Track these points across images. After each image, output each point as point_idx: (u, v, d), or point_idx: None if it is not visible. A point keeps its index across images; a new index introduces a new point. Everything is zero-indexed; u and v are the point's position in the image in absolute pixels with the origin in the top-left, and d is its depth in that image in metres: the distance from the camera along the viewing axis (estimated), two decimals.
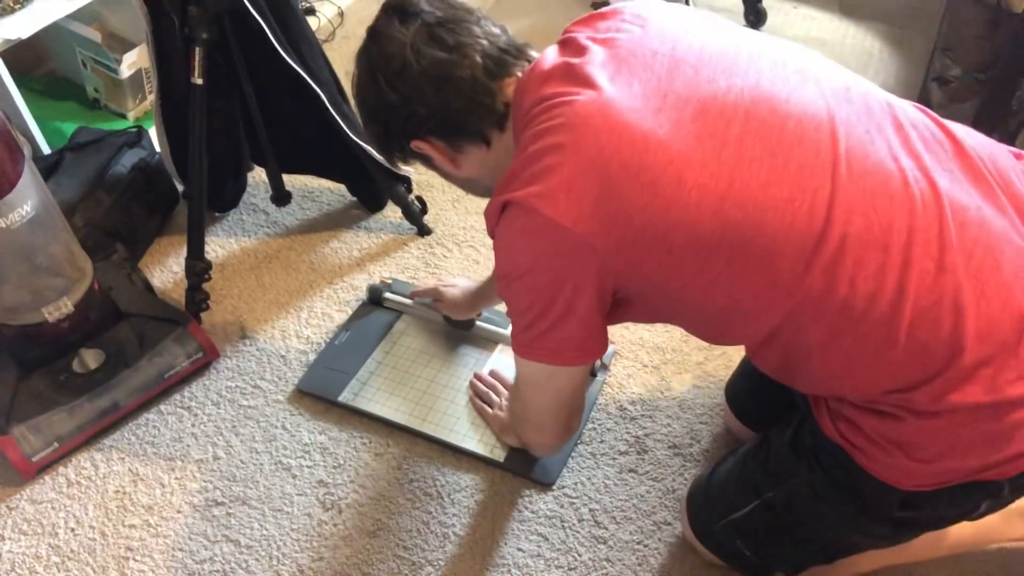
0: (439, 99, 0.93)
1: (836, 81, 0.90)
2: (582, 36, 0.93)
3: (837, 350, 0.85)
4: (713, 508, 1.13)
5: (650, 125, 0.83)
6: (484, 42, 0.94)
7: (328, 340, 1.50)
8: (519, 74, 0.95)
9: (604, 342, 0.97)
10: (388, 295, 1.54)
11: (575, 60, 0.90)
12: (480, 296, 1.40)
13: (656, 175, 0.82)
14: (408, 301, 1.53)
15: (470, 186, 1.09)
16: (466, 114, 0.94)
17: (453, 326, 1.48)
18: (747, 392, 1.31)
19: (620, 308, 0.95)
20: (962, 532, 1.14)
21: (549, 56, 0.94)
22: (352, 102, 1.03)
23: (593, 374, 1.41)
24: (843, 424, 0.93)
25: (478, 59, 0.93)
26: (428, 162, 1.03)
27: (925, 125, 0.89)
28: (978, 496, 0.91)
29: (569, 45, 0.94)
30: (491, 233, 0.95)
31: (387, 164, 1.58)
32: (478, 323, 1.48)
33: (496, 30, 0.97)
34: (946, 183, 0.84)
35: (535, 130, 0.87)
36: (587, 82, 0.87)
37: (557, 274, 0.88)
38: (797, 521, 1.02)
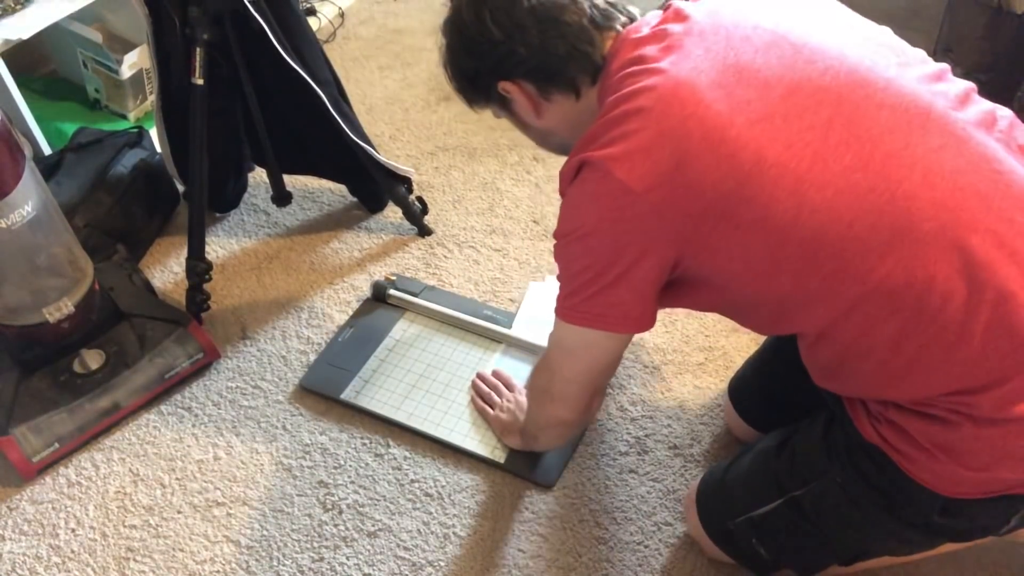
0: (543, 41, 0.91)
1: (938, 78, 0.88)
2: (686, 5, 0.92)
3: (905, 347, 0.83)
4: (729, 505, 1.11)
5: (737, 101, 0.82)
6: None
7: (330, 338, 1.50)
8: (620, 29, 0.94)
9: (652, 315, 0.95)
10: (392, 292, 1.54)
11: (673, 27, 0.89)
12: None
13: (735, 150, 0.81)
14: (412, 298, 1.53)
15: (544, 138, 1.07)
16: (565, 61, 0.93)
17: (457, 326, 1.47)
18: (754, 392, 1.30)
19: (677, 288, 0.94)
20: None
21: (650, 19, 0.93)
22: (446, 36, 1.01)
23: None
24: (886, 427, 0.90)
25: (586, 7, 0.92)
26: (507, 108, 1.02)
27: (1016, 133, 0.88)
28: (1013, 508, 0.90)
29: (671, 11, 0.92)
30: (562, 192, 0.94)
31: (380, 158, 1.58)
32: (480, 323, 1.49)
33: None
34: None
35: (621, 93, 0.86)
36: (680, 51, 0.86)
37: (619, 238, 0.87)
38: (823, 522, 1.00)
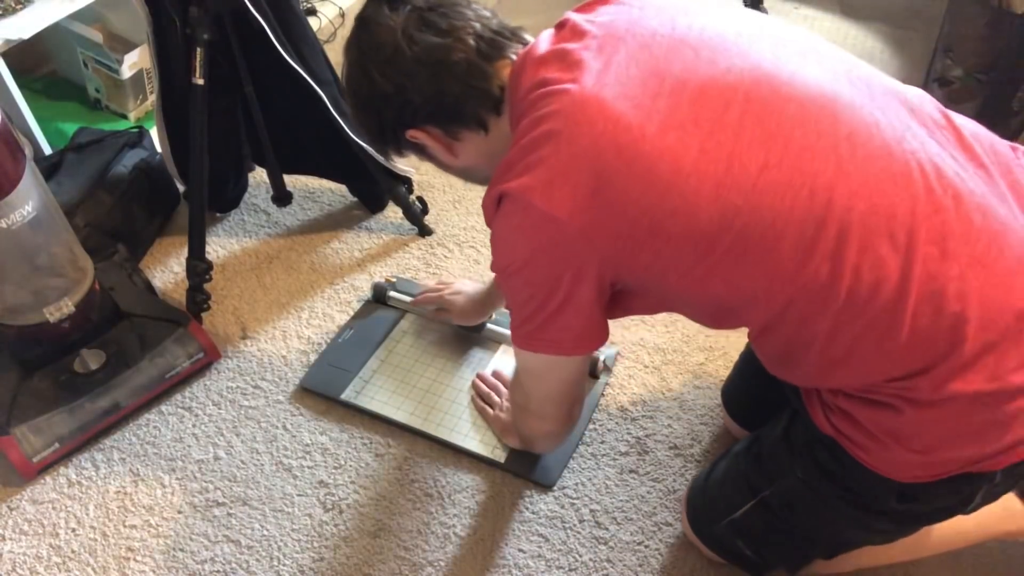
0: (434, 85, 0.91)
1: (839, 63, 0.88)
2: (580, 19, 0.92)
3: (841, 338, 0.84)
4: (712, 510, 1.12)
5: (646, 112, 0.82)
6: (477, 24, 0.92)
7: (330, 339, 1.50)
8: (513, 56, 0.93)
9: (603, 333, 0.96)
10: (392, 294, 1.54)
11: (571, 45, 0.88)
12: (489, 299, 1.39)
13: (652, 163, 0.80)
14: (411, 300, 1.53)
15: (468, 175, 1.07)
16: (463, 99, 0.92)
17: (464, 329, 1.47)
18: (741, 393, 1.31)
19: (620, 300, 0.95)
20: (962, 527, 1.13)
21: (544, 39, 0.92)
22: (346, 95, 1.01)
23: (595, 376, 1.41)
24: (837, 416, 0.92)
25: (471, 42, 0.90)
26: (424, 152, 1.01)
27: (929, 111, 0.88)
28: (973, 487, 0.90)
29: (566, 28, 0.92)
30: (488, 224, 0.94)
31: (381, 159, 1.58)
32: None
33: (487, 12, 0.95)
34: (951, 169, 0.83)
35: (530, 118, 0.86)
36: (583, 68, 0.85)
37: (554, 267, 0.87)
38: (795, 518, 1.02)
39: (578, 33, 0.90)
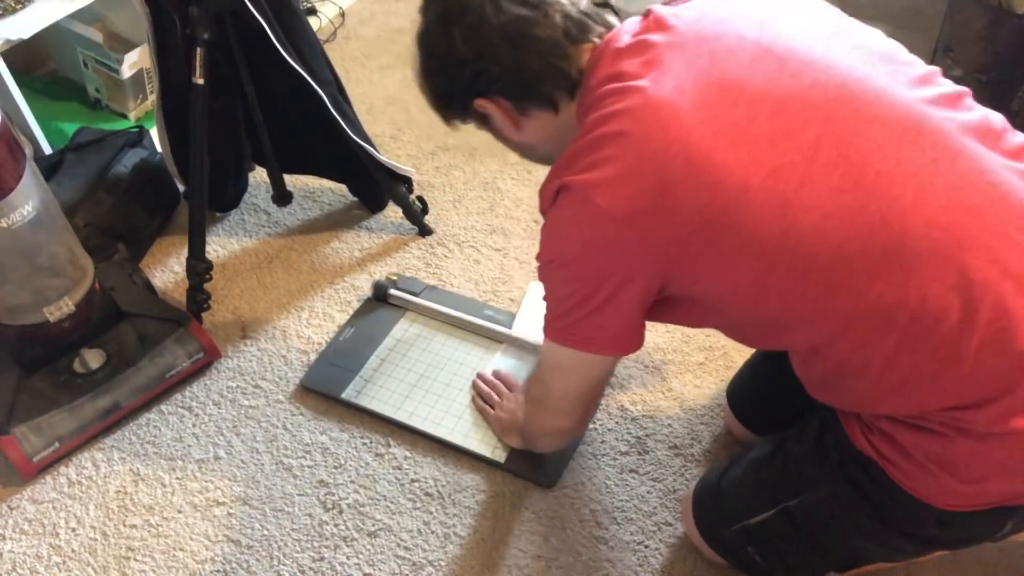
0: (515, 59, 0.88)
1: (923, 73, 0.86)
2: (666, 12, 0.88)
3: (898, 366, 0.82)
4: (724, 513, 1.10)
5: (721, 122, 0.79)
6: (566, 2, 0.89)
7: (330, 338, 1.50)
8: (596, 41, 0.90)
9: (640, 338, 0.95)
10: (393, 291, 1.54)
11: (653, 38, 0.85)
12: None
13: (720, 176, 0.78)
14: (413, 298, 1.53)
15: (527, 151, 1.04)
16: (541, 77, 0.89)
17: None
18: (751, 395, 1.30)
19: (664, 307, 0.93)
20: None
21: (628, 29, 0.89)
22: (418, 52, 0.99)
23: None
24: (878, 438, 0.89)
25: (559, 20, 0.88)
26: (486, 123, 0.99)
27: (1009, 139, 0.85)
28: (1007, 518, 0.89)
29: (650, 19, 0.88)
30: (543, 212, 0.92)
31: (381, 158, 1.58)
32: (481, 323, 1.49)
33: None
34: None
35: (601, 113, 0.84)
36: (661, 67, 0.83)
37: (604, 266, 0.86)
38: (816, 532, 1.00)
39: (662, 27, 0.86)
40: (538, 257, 0.93)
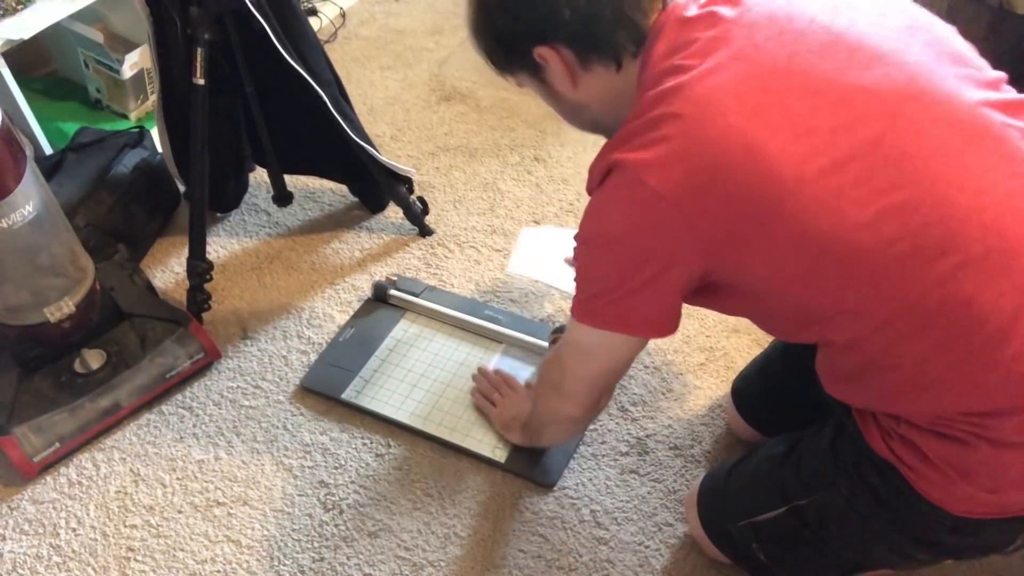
0: (591, 5, 0.84)
1: (991, 78, 0.84)
2: None
3: (932, 365, 0.80)
4: (731, 508, 1.10)
5: (783, 111, 0.77)
6: None
7: (330, 338, 1.50)
8: (666, 2, 0.86)
9: (675, 322, 0.92)
10: (393, 292, 1.54)
11: (724, 11, 0.83)
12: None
13: (776, 166, 0.76)
14: (413, 299, 1.53)
15: (575, 113, 0.99)
16: (613, 27, 0.85)
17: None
18: (757, 392, 1.30)
19: (704, 293, 0.90)
20: None
21: None
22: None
23: None
24: (897, 442, 0.88)
25: None
26: (537, 75, 0.93)
27: None
28: (1021, 529, 0.88)
29: None
30: (590, 191, 0.89)
31: (381, 157, 1.58)
32: (481, 323, 1.49)
33: None
34: None
35: (662, 89, 0.81)
36: (727, 45, 0.80)
37: (647, 246, 0.83)
38: (826, 533, 0.99)
39: (732, 1, 0.83)
40: (578, 236, 0.90)
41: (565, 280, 1.32)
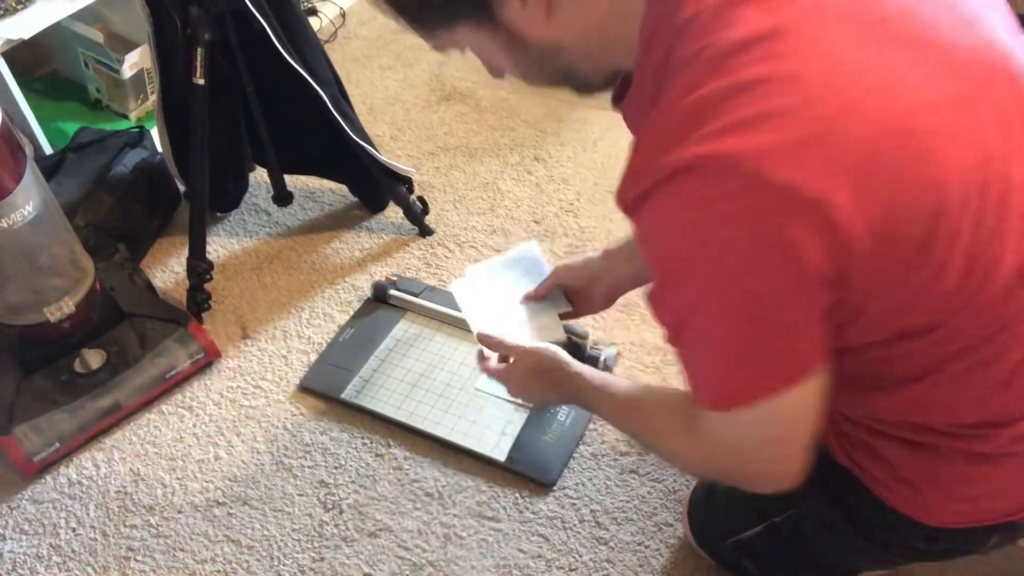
0: None
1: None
2: None
3: (956, 380, 0.71)
4: (716, 527, 1.10)
5: (918, 77, 0.58)
6: None
7: (330, 338, 1.50)
8: None
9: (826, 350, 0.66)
10: (393, 292, 1.55)
11: None
12: (605, 273, 1.10)
13: (927, 146, 0.58)
14: (413, 299, 1.53)
15: (541, 64, 0.71)
16: None
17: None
18: None
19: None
20: None
21: None
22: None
23: None
24: (860, 452, 0.82)
25: None
26: (489, 19, 0.66)
27: None
28: (993, 533, 0.84)
29: None
30: (630, 210, 0.63)
31: (381, 157, 1.58)
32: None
33: None
34: None
35: (736, 38, 0.57)
36: None
37: (783, 272, 0.58)
38: (806, 546, 0.97)
39: None
40: (656, 295, 0.66)
41: (495, 322, 1.16)
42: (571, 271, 1.17)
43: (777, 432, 0.69)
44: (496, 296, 1.21)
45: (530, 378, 1.05)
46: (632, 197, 0.62)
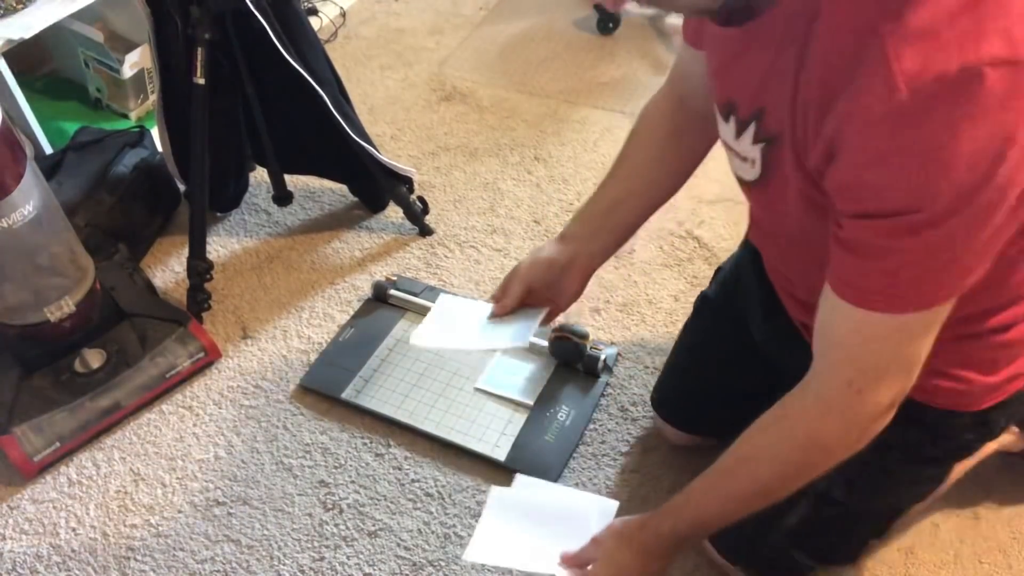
0: None
1: None
2: None
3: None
4: (754, 526, 0.95)
5: None
6: None
7: (331, 338, 1.50)
8: None
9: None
10: (393, 292, 1.55)
11: None
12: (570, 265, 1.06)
13: None
14: (413, 299, 1.53)
15: None
16: None
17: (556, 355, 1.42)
18: (678, 394, 1.28)
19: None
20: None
21: None
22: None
23: (596, 375, 1.41)
24: None
25: None
26: None
27: None
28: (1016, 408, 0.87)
29: None
30: (905, 111, 0.57)
31: (381, 158, 1.58)
32: None
33: None
34: None
35: None
36: None
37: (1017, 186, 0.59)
38: (855, 502, 0.96)
39: None
40: (931, 198, 0.60)
41: (471, 342, 1.13)
42: (535, 269, 1.09)
43: (922, 345, 0.71)
44: (462, 326, 1.13)
45: (618, 558, 0.94)
46: (917, 99, 0.57)
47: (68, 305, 1.31)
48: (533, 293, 1.10)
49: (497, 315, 1.11)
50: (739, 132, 0.78)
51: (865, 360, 0.73)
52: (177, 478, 1.31)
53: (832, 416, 0.77)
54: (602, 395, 1.40)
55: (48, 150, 1.75)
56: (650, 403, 1.35)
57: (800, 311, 0.96)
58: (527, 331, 1.09)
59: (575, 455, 1.32)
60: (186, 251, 1.50)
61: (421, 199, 1.70)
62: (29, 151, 1.23)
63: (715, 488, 0.88)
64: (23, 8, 1.61)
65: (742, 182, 0.83)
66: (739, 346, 1.15)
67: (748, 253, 1.13)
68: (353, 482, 1.30)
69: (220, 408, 1.41)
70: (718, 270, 1.27)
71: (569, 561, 0.98)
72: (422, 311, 1.53)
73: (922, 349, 0.72)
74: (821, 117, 0.64)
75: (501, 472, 1.30)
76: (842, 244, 0.68)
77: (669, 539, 0.91)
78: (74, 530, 1.25)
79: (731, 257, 1.24)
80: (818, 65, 0.64)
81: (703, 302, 1.26)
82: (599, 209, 1.08)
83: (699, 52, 0.91)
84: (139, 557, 1.22)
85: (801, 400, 0.78)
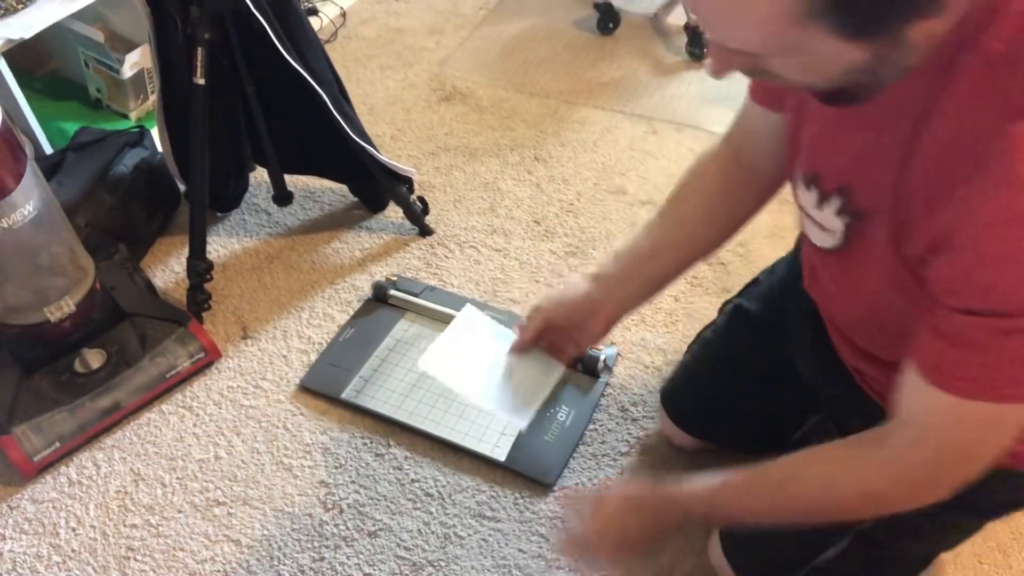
0: None
1: None
2: None
3: None
4: (780, 559, 0.98)
5: None
6: None
7: (331, 338, 1.50)
8: None
9: None
10: (393, 292, 1.55)
11: None
12: (595, 302, 1.01)
13: None
14: (413, 299, 1.53)
15: (882, 67, 0.61)
16: None
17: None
18: (688, 397, 1.27)
19: None
20: None
21: None
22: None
23: (596, 375, 1.41)
24: None
25: None
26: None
27: None
28: None
29: None
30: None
31: (381, 158, 1.58)
32: None
33: None
34: None
35: None
36: None
37: None
38: (896, 544, 0.92)
39: None
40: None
41: (473, 392, 1.07)
42: (562, 308, 1.02)
43: (1010, 434, 0.70)
44: (476, 360, 1.08)
45: (622, 521, 0.90)
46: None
47: (68, 305, 1.31)
48: (556, 331, 1.04)
49: (516, 351, 1.06)
50: (820, 202, 0.77)
51: (950, 443, 0.72)
52: (177, 478, 1.31)
53: (902, 483, 0.76)
54: (602, 395, 1.41)
55: (48, 150, 1.75)
56: (659, 398, 1.33)
57: (855, 357, 0.93)
58: (530, 409, 1.04)
59: (575, 455, 1.32)
60: (186, 251, 1.51)
61: (421, 199, 1.70)
62: (29, 151, 1.23)
63: (752, 493, 0.85)
64: (23, 8, 1.61)
65: (814, 248, 0.81)
66: (773, 366, 1.11)
67: (794, 277, 1.05)
68: (353, 482, 1.30)
69: (220, 408, 1.41)
70: (754, 281, 1.21)
71: (572, 543, 0.96)
72: (422, 311, 1.53)
73: (1009, 438, 0.71)
74: (930, 207, 0.63)
75: (501, 472, 1.30)
76: (937, 333, 0.67)
77: (682, 518, 0.89)
78: (74, 530, 1.25)
79: (773, 273, 1.18)
80: (933, 155, 0.63)
81: (738, 313, 1.19)
82: (638, 254, 1.01)
83: (769, 112, 0.88)
84: (139, 557, 1.22)
85: (876, 452, 0.76)
